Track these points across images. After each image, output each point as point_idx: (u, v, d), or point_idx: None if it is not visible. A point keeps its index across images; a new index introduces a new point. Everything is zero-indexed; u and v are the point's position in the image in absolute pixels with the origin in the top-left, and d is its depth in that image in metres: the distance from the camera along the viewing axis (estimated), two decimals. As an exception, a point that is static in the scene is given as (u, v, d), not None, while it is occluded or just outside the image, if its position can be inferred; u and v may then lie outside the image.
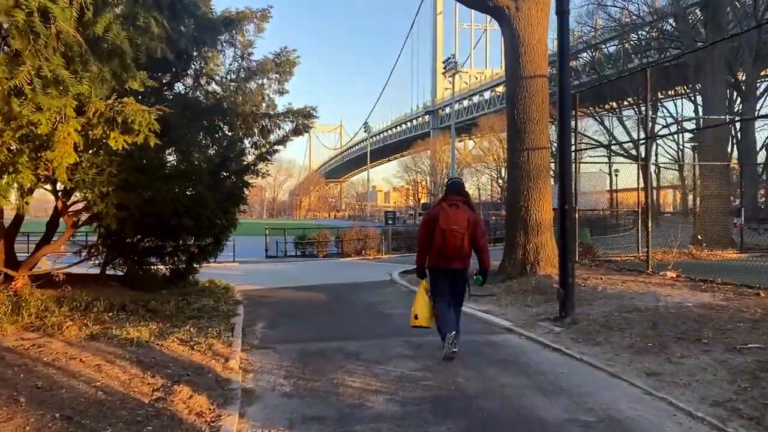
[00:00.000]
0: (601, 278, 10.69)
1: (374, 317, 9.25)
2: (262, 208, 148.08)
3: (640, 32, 36.80)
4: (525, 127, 11.39)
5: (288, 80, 13.03)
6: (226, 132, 11.51)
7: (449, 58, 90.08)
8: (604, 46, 44.73)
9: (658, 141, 39.46)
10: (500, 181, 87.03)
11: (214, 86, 12.25)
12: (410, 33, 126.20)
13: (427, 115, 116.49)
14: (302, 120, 12.66)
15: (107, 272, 10.59)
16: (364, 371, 5.85)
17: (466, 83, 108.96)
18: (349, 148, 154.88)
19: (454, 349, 6.03)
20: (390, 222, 24.43)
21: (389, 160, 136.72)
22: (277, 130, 12.49)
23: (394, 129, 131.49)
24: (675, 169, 46.81)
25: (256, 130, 12.17)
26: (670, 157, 47.34)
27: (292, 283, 14.22)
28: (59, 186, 8.88)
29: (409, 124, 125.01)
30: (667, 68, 29.18)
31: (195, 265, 10.94)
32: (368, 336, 7.63)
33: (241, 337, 7.48)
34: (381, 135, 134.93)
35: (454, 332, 6.03)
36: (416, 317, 6.31)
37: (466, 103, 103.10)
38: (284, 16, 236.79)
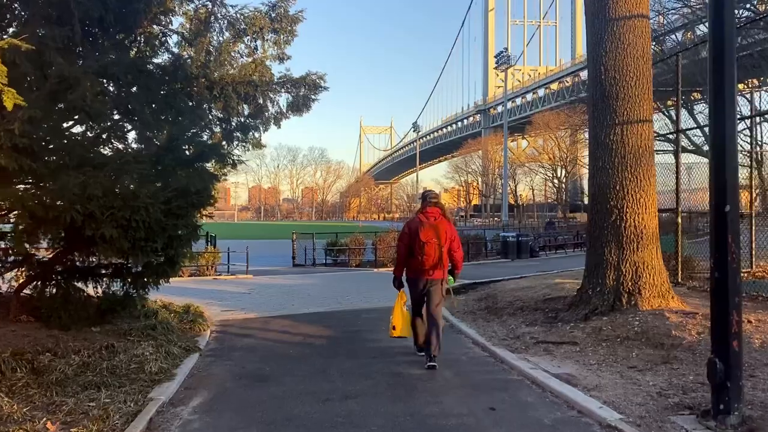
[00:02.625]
0: (747, 319, 6.88)
1: (399, 389, 5.83)
2: (311, 209, 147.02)
3: None
4: (616, 91, 7.74)
5: (289, 42, 9.85)
6: (192, 106, 8.35)
7: (501, 51, 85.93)
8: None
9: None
10: (555, 181, 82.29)
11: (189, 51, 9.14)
12: (461, 31, 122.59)
13: (478, 114, 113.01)
14: (305, 92, 9.41)
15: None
16: None
17: (519, 81, 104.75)
18: (399, 149, 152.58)
19: (433, 363, 6.24)
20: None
21: (439, 161, 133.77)
22: (269, 104, 9.27)
23: (444, 129, 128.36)
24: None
25: (240, 105, 8.98)
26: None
27: (299, 307, 10.96)
28: None
29: (459, 123, 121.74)
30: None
31: (134, 293, 7.76)
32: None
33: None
34: (431, 135, 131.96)
35: (434, 345, 6.25)
36: (394, 328, 6.61)
37: (519, 101, 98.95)
38: (334, 18, 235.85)
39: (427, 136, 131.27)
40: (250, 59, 9.70)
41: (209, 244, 21.27)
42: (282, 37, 9.66)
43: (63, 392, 5.17)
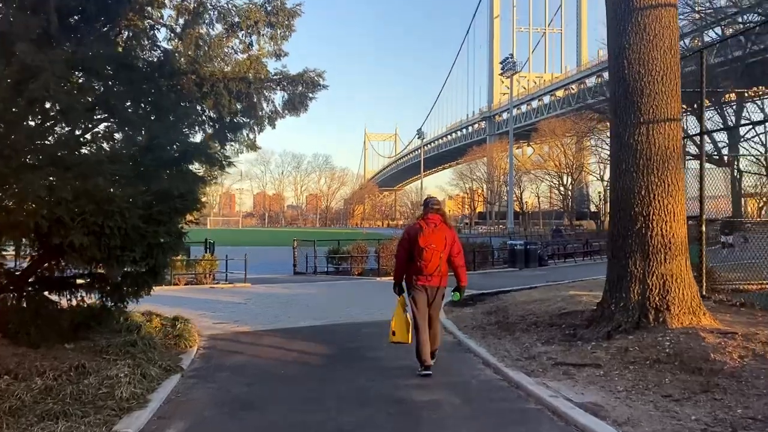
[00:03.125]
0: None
1: (402, 420, 5.13)
2: (316, 216, 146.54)
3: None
4: (641, 87, 7.06)
5: (287, 37, 9.23)
6: (179, 103, 7.70)
7: (507, 57, 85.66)
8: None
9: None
10: (561, 188, 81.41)
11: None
12: (466, 38, 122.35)
13: (483, 122, 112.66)
14: (302, 90, 8.77)
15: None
16: None
17: (524, 88, 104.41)
18: (403, 156, 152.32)
19: (429, 372, 6.23)
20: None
21: (443, 168, 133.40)
22: (263, 102, 8.63)
23: (448, 136, 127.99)
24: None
25: (232, 103, 8.34)
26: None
27: (295, 320, 10.27)
28: None
29: (464, 130, 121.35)
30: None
31: (111, 306, 7.10)
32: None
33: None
34: (435, 142, 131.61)
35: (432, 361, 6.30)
36: (394, 333, 6.52)
37: (524, 108, 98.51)
38: (338, 24, 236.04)
39: (432, 143, 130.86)
40: (244, 56, 9.08)
41: (207, 251, 20.65)
42: (279, 31, 9.02)
43: (16, 424, 4.51)
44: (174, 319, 9.23)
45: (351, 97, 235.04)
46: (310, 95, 8.70)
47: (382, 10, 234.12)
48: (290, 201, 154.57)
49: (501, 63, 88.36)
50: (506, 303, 10.61)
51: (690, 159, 12.58)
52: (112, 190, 5.99)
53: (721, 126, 29.31)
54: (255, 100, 8.43)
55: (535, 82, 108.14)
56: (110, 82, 7.38)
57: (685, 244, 7.09)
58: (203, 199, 8.46)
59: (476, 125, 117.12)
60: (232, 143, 8.83)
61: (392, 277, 6.78)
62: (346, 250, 23.13)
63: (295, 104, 8.58)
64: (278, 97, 8.73)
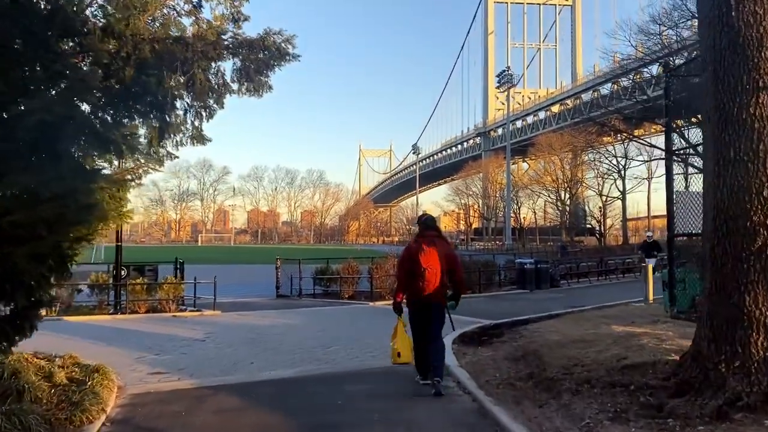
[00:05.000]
0: None
1: None
2: (310, 232, 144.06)
3: None
4: (760, 35, 4.73)
5: (247, -4, 6.87)
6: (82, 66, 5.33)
7: (504, 70, 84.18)
8: None
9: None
10: (558, 203, 79.18)
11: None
12: (461, 54, 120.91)
13: (478, 137, 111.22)
14: (264, 55, 6.43)
15: None
16: None
17: (519, 104, 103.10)
18: (399, 172, 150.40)
19: (440, 390, 6.11)
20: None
21: (439, 184, 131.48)
22: (209, 75, 6.27)
23: (443, 152, 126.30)
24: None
25: (167, 75, 5.97)
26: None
27: (259, 367, 7.80)
28: None
29: (459, 146, 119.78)
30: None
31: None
32: None
33: None
34: (431, 158, 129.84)
35: (437, 379, 6.16)
36: (399, 355, 6.52)
37: (519, 123, 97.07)
38: (338, 41, 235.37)
39: (427, 159, 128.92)
40: (191, 19, 6.74)
41: (177, 272, 18.15)
42: (235, -15, 6.70)
43: None
44: (93, 371, 6.84)
45: (345, 112, 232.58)
46: (275, 63, 6.33)
47: (377, 27, 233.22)
48: (284, 217, 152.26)
49: (498, 76, 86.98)
50: (534, 342, 8.18)
51: None
52: None
53: None
54: (194, 69, 6.04)
55: (530, 98, 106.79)
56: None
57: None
58: (123, 208, 6.11)
59: (471, 141, 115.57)
60: (167, 132, 6.43)
61: (389, 302, 6.71)
62: (335, 270, 20.60)
63: (251, 74, 6.19)
64: (229, 66, 6.36)
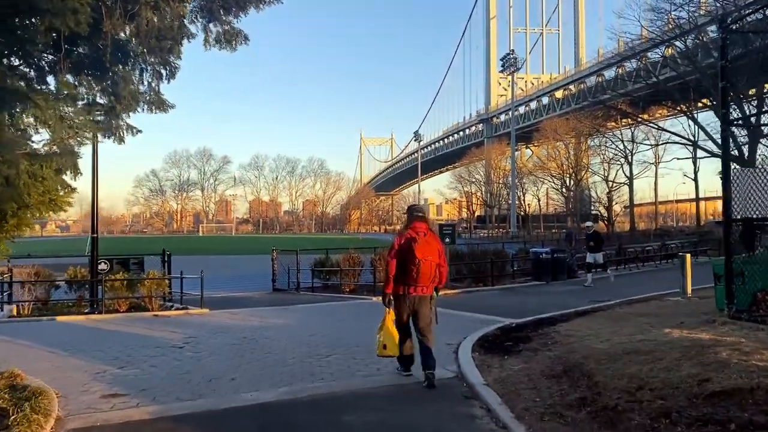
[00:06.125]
0: None
1: None
2: (312, 221, 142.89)
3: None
4: None
5: None
6: None
7: (508, 54, 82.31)
8: None
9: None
10: (563, 190, 77.46)
11: None
12: (462, 40, 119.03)
13: (481, 124, 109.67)
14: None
15: None
16: None
17: (522, 89, 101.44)
18: (400, 160, 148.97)
19: (433, 382, 6.10)
20: (447, 240, 16.26)
21: (441, 172, 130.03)
22: (158, 14, 4.79)
23: (445, 139, 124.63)
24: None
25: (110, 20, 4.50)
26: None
27: (238, 386, 6.35)
28: None
29: (461, 133, 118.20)
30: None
31: None
32: None
33: None
34: (432, 146, 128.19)
35: (431, 368, 6.17)
36: (385, 347, 6.34)
37: (522, 109, 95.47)
38: (338, 27, 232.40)
39: (429, 147, 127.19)
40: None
41: (165, 265, 16.75)
42: None
43: None
44: (30, 395, 5.51)
45: (346, 100, 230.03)
46: (248, 1, 4.84)
47: (376, 13, 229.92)
48: (286, 207, 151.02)
49: (501, 59, 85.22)
50: (575, 352, 6.73)
51: None
52: None
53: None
54: (143, 10, 4.56)
55: (533, 83, 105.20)
56: None
57: None
58: (53, 192, 4.67)
59: (473, 128, 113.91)
60: (114, 93, 4.96)
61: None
62: (335, 262, 19.15)
63: (216, 13, 4.72)
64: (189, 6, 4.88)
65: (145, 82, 5.48)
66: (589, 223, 19.83)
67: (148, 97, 5.61)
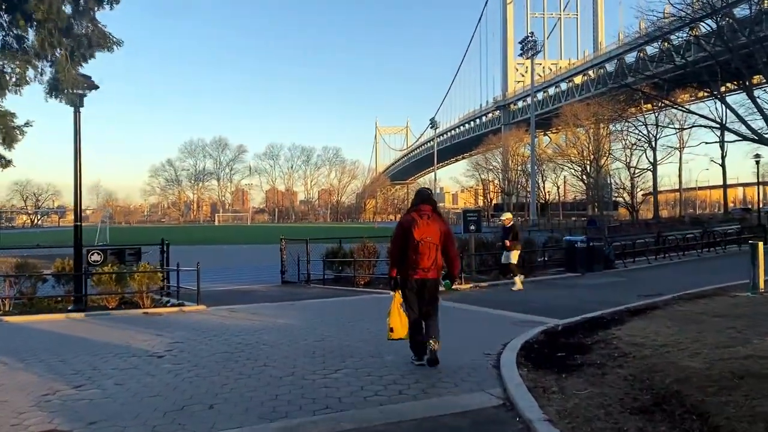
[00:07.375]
0: None
1: None
2: (327, 211, 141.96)
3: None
4: None
5: None
6: None
7: (527, 36, 79.89)
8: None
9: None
10: (584, 177, 75.10)
11: None
12: (478, 26, 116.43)
13: (498, 110, 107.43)
14: None
15: None
16: None
17: (540, 75, 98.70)
18: (415, 149, 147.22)
19: (434, 356, 6.11)
20: (473, 228, 14.55)
21: (457, 160, 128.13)
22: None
23: (461, 127, 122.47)
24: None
25: None
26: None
27: (214, 426, 4.85)
28: None
29: (478, 120, 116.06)
30: None
31: None
32: None
33: None
34: (448, 134, 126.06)
35: (431, 339, 6.12)
36: (392, 330, 6.24)
37: (540, 96, 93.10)
38: (349, 16, 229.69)
39: (445, 135, 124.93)
40: None
41: (163, 256, 15.30)
42: None
43: None
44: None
45: (361, 89, 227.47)
46: None
47: (392, 2, 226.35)
48: (301, 196, 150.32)
49: (520, 42, 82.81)
50: (659, 372, 5.08)
51: None
52: None
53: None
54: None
55: (551, 69, 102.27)
56: None
57: None
58: None
59: (490, 114, 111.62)
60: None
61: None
62: (349, 251, 17.55)
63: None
64: None
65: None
66: (507, 215, 15.12)
67: (84, 30, 4.06)
